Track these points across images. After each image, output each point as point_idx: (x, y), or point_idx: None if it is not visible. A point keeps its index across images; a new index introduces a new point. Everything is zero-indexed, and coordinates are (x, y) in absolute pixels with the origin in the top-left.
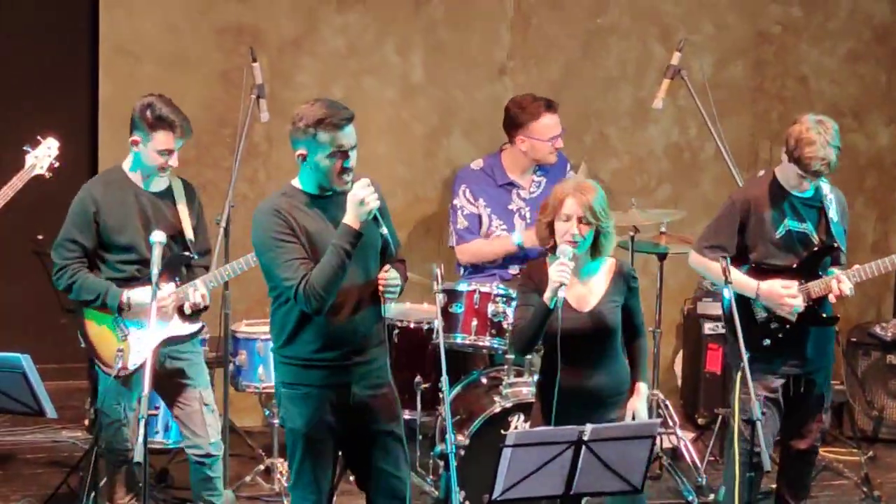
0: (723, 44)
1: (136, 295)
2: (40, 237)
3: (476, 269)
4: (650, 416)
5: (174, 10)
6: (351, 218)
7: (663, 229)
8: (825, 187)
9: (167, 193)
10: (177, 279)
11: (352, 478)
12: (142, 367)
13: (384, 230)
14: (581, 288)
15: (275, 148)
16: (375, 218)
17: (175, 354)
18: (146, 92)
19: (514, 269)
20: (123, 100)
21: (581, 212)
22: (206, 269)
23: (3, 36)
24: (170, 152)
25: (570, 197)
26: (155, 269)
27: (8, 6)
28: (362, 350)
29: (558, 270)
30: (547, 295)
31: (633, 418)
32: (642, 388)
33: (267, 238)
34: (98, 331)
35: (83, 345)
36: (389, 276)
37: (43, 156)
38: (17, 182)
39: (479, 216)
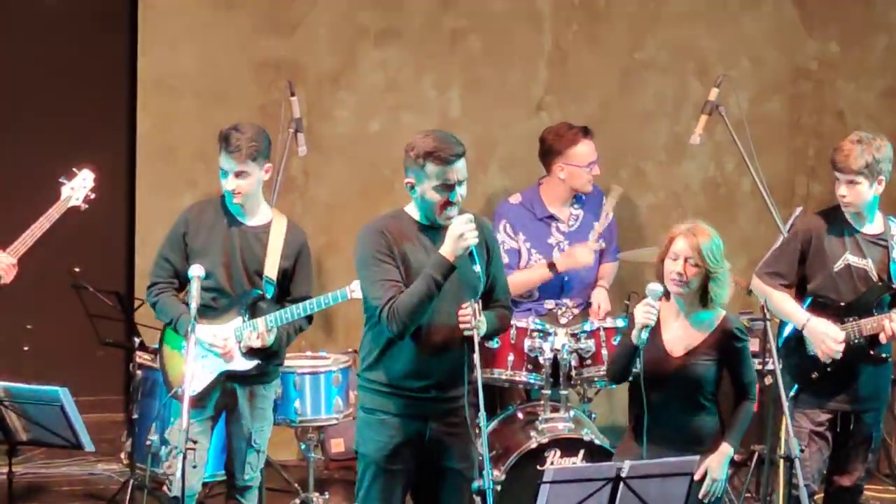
0: (760, 79)
1: (199, 331)
2: (77, 269)
3: (512, 304)
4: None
5: (213, 44)
6: (447, 250)
7: None
8: (894, 226)
9: (264, 229)
10: (245, 315)
11: None
12: (204, 390)
13: (477, 268)
14: (681, 333)
15: (312, 182)
16: (472, 255)
17: (243, 389)
18: (184, 126)
19: (549, 304)
20: (161, 134)
21: (690, 252)
22: None
23: (43, 69)
24: (227, 173)
25: (681, 237)
26: (193, 304)
27: (48, 40)
28: (445, 386)
29: (643, 312)
30: (633, 333)
31: (706, 475)
32: (726, 449)
33: (366, 255)
34: (172, 352)
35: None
36: (466, 311)
37: (79, 187)
38: (53, 213)
39: (519, 251)
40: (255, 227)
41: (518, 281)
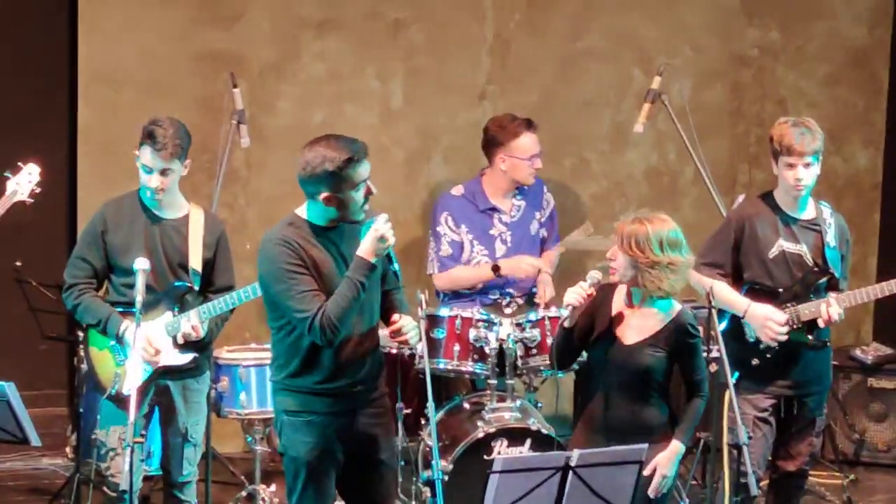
0: (701, 67)
1: (131, 331)
2: (18, 263)
3: (456, 295)
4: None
5: (153, 36)
6: (367, 251)
7: None
8: (826, 211)
9: (182, 221)
10: (175, 309)
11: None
12: (137, 391)
13: (397, 267)
14: (634, 321)
15: (254, 174)
16: (389, 256)
17: (176, 385)
18: (125, 118)
19: (494, 295)
20: (102, 127)
21: (618, 240)
22: None
23: None
24: (152, 171)
25: (623, 223)
26: (139, 297)
27: None
28: (367, 380)
29: (573, 291)
30: (562, 312)
31: (654, 472)
32: (676, 446)
33: (277, 269)
34: (99, 353)
35: (84, 365)
36: (405, 329)
37: (24, 182)
38: None
39: (462, 243)
40: (174, 219)
41: (462, 278)
